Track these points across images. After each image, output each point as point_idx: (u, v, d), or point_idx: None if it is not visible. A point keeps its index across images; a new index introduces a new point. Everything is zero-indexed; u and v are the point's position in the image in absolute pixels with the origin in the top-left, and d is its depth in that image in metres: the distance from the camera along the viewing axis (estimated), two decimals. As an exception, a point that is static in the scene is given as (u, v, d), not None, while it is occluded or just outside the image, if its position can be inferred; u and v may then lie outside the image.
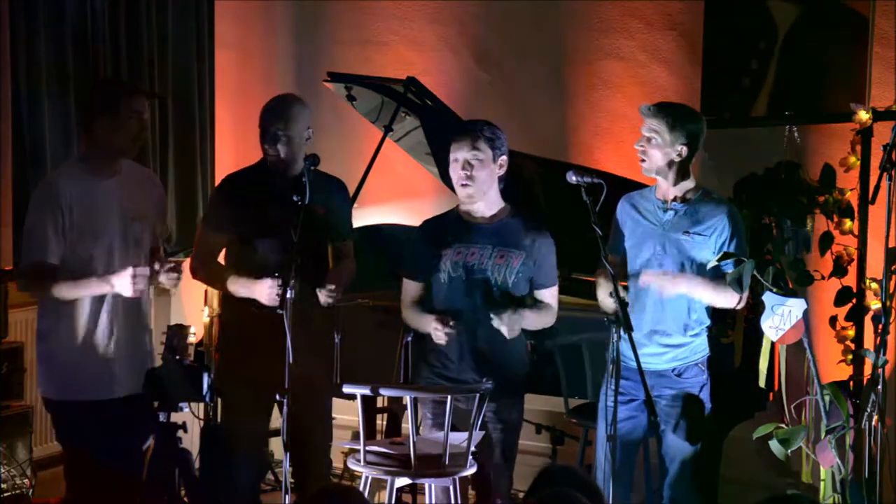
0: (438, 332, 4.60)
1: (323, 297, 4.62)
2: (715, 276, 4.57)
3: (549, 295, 4.75)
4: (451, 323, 4.59)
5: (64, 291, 4.41)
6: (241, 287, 4.70)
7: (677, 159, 4.57)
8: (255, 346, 4.67)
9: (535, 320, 4.71)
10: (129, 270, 4.33)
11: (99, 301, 4.46)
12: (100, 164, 4.48)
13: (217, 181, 6.49)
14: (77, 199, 4.40)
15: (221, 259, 4.89)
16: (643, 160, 4.60)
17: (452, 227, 4.75)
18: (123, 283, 4.35)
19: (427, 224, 4.85)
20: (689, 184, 4.63)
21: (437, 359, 4.71)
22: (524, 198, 4.88)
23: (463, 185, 4.68)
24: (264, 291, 4.58)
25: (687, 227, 4.59)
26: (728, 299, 4.55)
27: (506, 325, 4.59)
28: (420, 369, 4.79)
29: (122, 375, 4.51)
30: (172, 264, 4.45)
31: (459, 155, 4.68)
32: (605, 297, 4.56)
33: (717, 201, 4.64)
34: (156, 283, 4.48)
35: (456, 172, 4.69)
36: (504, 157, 4.71)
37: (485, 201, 4.72)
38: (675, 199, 4.63)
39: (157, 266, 4.42)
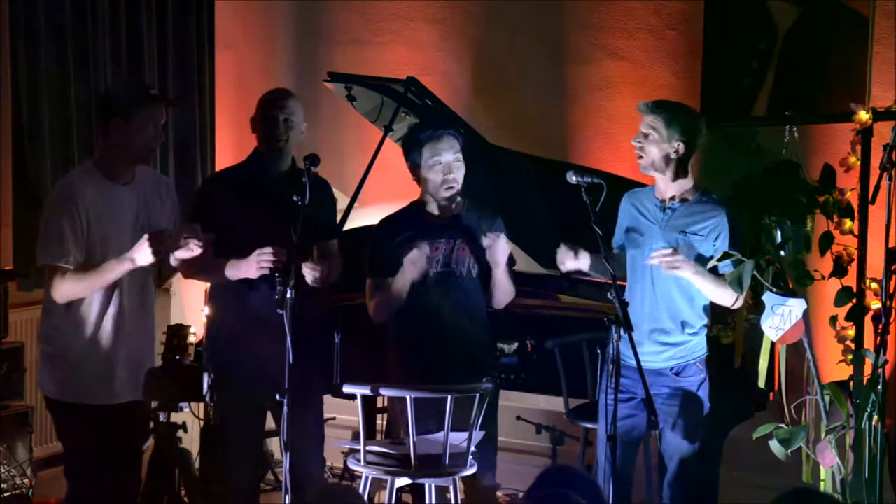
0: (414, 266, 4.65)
1: (308, 272, 4.57)
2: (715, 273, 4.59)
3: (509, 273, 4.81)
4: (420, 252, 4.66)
5: (80, 289, 4.38)
6: (231, 270, 4.66)
7: (674, 156, 4.58)
8: (244, 345, 4.67)
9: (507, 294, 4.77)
10: (145, 238, 4.29)
11: (105, 303, 4.44)
12: (116, 169, 4.47)
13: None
14: (93, 204, 4.39)
15: None
16: (640, 157, 4.61)
17: (416, 223, 4.76)
18: (143, 253, 4.30)
19: (387, 222, 4.86)
20: (686, 183, 4.63)
21: (413, 353, 4.74)
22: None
23: (450, 187, 4.70)
24: (252, 265, 4.57)
25: (684, 227, 4.60)
26: (727, 296, 4.58)
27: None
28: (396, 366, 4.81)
29: (126, 381, 4.49)
30: (187, 236, 4.35)
31: (443, 158, 4.69)
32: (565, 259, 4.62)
33: (715, 202, 4.64)
34: (174, 248, 4.38)
35: (440, 176, 4.70)
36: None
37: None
38: (672, 199, 4.63)
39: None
